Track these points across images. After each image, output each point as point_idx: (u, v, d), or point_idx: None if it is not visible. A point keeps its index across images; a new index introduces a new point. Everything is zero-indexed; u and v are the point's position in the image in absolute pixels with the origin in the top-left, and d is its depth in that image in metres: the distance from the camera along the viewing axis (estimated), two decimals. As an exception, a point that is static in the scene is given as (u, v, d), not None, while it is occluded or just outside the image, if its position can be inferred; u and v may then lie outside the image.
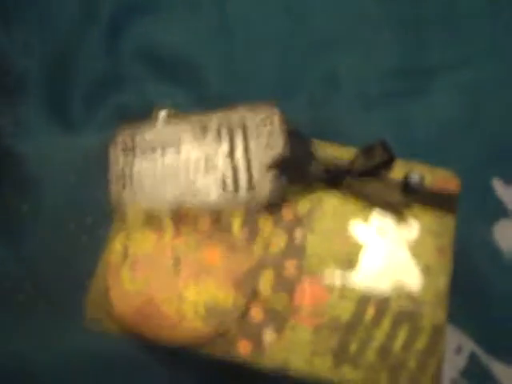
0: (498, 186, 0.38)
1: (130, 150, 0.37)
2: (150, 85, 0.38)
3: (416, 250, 0.36)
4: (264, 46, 0.39)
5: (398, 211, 0.36)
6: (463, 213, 0.36)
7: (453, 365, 0.36)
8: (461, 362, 0.37)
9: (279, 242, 0.36)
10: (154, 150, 0.37)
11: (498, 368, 0.36)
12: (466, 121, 0.38)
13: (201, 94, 0.37)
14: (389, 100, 0.38)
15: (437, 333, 0.35)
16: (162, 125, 0.37)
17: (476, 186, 0.38)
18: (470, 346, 0.37)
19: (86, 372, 0.35)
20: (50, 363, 0.34)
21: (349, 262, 0.36)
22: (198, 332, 0.34)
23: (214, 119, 0.37)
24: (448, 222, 0.36)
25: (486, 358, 0.36)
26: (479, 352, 0.36)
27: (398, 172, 0.37)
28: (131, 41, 0.38)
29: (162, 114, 0.37)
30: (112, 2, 0.39)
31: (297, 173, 0.36)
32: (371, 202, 0.36)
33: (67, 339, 0.35)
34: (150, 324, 0.34)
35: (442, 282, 0.35)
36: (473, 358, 0.37)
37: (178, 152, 0.36)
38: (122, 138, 0.37)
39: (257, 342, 0.35)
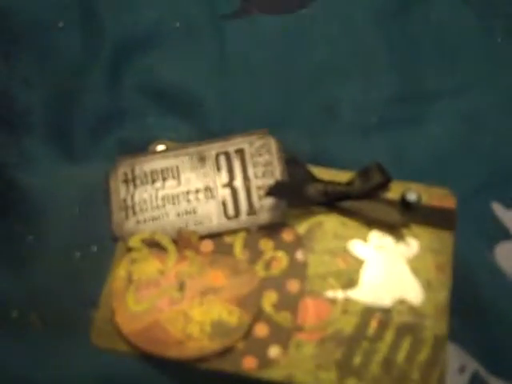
0: (498, 209, 0.39)
1: (131, 181, 0.38)
2: (152, 119, 0.39)
3: (416, 266, 0.37)
4: (263, 78, 0.41)
5: (396, 230, 0.37)
6: (464, 236, 0.38)
7: None
8: (464, 381, 0.37)
9: (281, 262, 0.37)
10: (154, 181, 0.38)
11: None
12: (464, 147, 0.40)
13: (202, 128, 0.39)
14: (387, 128, 0.40)
15: (439, 344, 0.36)
16: (160, 156, 0.38)
17: (476, 210, 0.39)
18: (472, 365, 0.37)
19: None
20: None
21: (350, 279, 0.37)
22: (205, 350, 0.35)
23: (211, 150, 0.38)
24: (446, 239, 0.38)
25: (488, 378, 0.37)
26: (482, 371, 0.37)
27: (394, 192, 0.39)
28: (133, 76, 0.40)
29: (161, 146, 0.39)
30: (114, 38, 0.41)
31: (296, 197, 0.37)
32: (370, 222, 0.38)
33: (75, 365, 0.35)
34: (157, 344, 0.35)
35: (443, 296, 0.37)
36: (476, 377, 0.37)
37: (178, 183, 0.38)
38: (122, 169, 0.38)
39: (262, 357, 0.35)
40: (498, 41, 0.42)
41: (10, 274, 0.38)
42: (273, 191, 0.37)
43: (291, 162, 0.39)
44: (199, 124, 0.39)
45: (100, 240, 0.38)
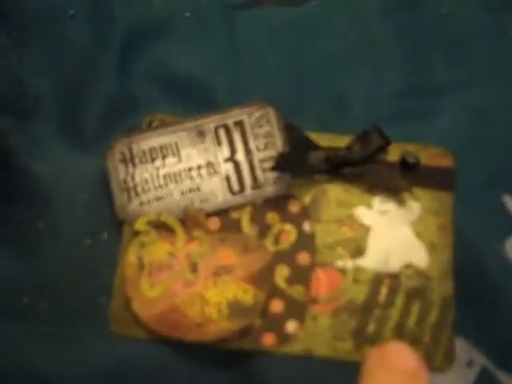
0: (509, 202, 0.40)
1: (129, 161, 0.38)
2: (163, 106, 0.39)
3: (419, 229, 0.39)
4: (273, 69, 0.41)
5: (398, 193, 0.39)
6: (474, 229, 0.39)
7: (464, 378, 0.38)
8: (472, 375, 0.39)
9: (289, 236, 0.38)
10: (153, 159, 0.38)
11: (509, 382, 0.38)
12: (474, 139, 0.41)
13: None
14: (397, 120, 0.40)
15: (446, 305, 0.38)
16: (157, 133, 0.38)
17: (486, 203, 0.40)
18: (481, 359, 0.39)
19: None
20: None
21: (358, 247, 0.38)
22: (225, 331, 0.36)
23: (210, 123, 0.38)
24: (446, 200, 0.39)
25: (496, 372, 0.38)
26: (490, 366, 0.38)
27: (392, 154, 0.40)
28: (144, 64, 0.40)
29: (155, 122, 0.39)
30: (124, 26, 0.40)
31: (298, 166, 0.38)
32: (372, 186, 0.38)
33: (89, 352, 0.36)
34: (176, 328, 0.36)
35: (446, 256, 0.38)
36: (484, 371, 0.38)
37: (179, 160, 0.38)
38: (119, 148, 0.38)
39: (280, 333, 0.37)
40: (510, 34, 0.43)
41: (20, 260, 0.38)
42: (277, 166, 0.37)
43: (289, 130, 0.39)
44: (209, 110, 0.39)
45: (110, 227, 0.39)
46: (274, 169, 0.38)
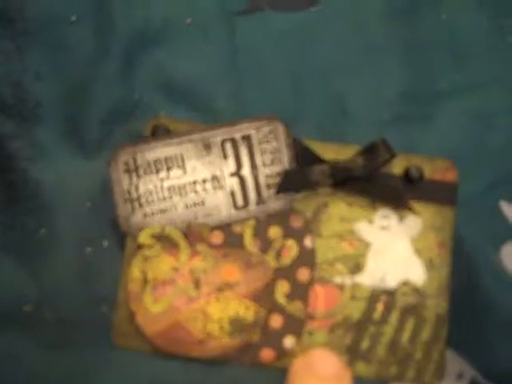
0: (507, 209, 0.42)
1: (133, 171, 0.40)
2: (164, 113, 0.40)
3: (419, 245, 0.41)
4: (274, 74, 0.42)
5: (400, 208, 0.41)
6: (471, 235, 0.42)
7: None
8: None
9: (291, 251, 0.40)
10: (158, 170, 0.40)
11: None
12: (474, 145, 0.42)
13: (214, 121, 0.40)
14: (397, 125, 0.42)
15: (440, 322, 0.41)
16: (163, 144, 0.39)
17: (484, 209, 0.42)
18: (470, 372, 0.42)
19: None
20: None
21: (357, 264, 0.41)
22: (226, 347, 0.39)
23: (217, 136, 0.40)
24: (448, 215, 0.42)
25: None
26: (479, 378, 0.42)
27: (397, 166, 0.42)
28: (145, 70, 0.41)
29: (161, 131, 0.40)
30: (126, 32, 0.41)
31: (302, 183, 0.40)
32: (375, 201, 0.41)
33: (90, 362, 0.39)
34: (180, 344, 0.39)
35: (444, 273, 0.41)
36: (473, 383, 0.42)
37: (184, 172, 0.40)
38: (123, 158, 0.40)
39: (278, 348, 0.40)
40: (509, 40, 0.44)
41: (22, 267, 0.41)
42: (282, 186, 0.40)
43: (295, 143, 0.40)
44: (210, 118, 0.41)
45: (110, 235, 0.41)
46: (278, 190, 0.39)
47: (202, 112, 0.42)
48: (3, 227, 0.41)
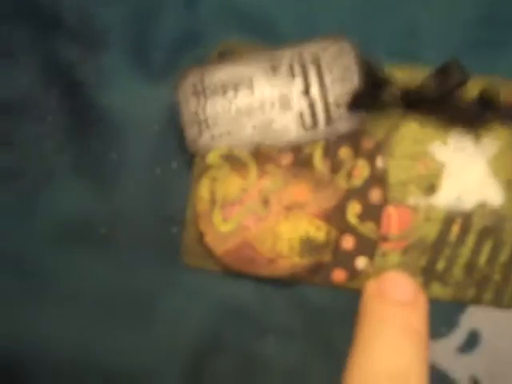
0: None
1: (201, 93, 0.40)
2: (229, 39, 0.40)
3: (496, 165, 0.40)
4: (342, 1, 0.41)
5: (475, 130, 0.40)
6: None
7: None
8: None
9: (362, 171, 0.40)
10: (225, 91, 0.40)
11: None
12: None
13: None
14: (471, 51, 0.41)
15: (519, 244, 0.39)
16: (230, 65, 0.39)
17: None
18: None
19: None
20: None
21: (431, 184, 0.40)
22: (296, 267, 0.38)
23: (285, 56, 0.40)
24: None
25: None
26: None
27: (472, 88, 0.40)
28: None
29: (228, 54, 0.40)
30: None
31: (373, 104, 0.39)
32: (448, 123, 0.40)
33: (162, 281, 0.41)
34: (248, 263, 0.38)
35: None
36: None
37: (252, 92, 0.40)
38: (191, 80, 0.40)
39: (350, 269, 0.39)
40: None
41: (95, 191, 0.41)
42: (352, 104, 0.39)
43: (366, 63, 0.40)
44: (276, 42, 0.41)
45: (178, 156, 0.41)
46: (348, 107, 0.39)
47: (269, 38, 0.42)
48: (74, 152, 0.42)
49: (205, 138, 0.40)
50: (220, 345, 0.41)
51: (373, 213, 0.40)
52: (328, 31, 0.42)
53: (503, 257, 0.40)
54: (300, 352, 0.41)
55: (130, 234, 0.41)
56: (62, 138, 0.42)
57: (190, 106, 0.40)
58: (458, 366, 0.41)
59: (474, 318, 0.40)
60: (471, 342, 0.40)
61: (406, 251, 0.40)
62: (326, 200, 0.39)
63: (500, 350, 0.40)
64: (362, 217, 0.40)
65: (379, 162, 0.40)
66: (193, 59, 0.42)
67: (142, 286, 0.41)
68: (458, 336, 0.40)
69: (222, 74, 0.40)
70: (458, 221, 0.40)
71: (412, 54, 0.43)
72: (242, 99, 0.40)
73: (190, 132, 0.40)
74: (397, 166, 0.40)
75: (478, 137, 0.41)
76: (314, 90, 0.40)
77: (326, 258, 0.39)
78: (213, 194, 0.39)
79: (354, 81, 0.40)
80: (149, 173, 0.41)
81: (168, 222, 0.41)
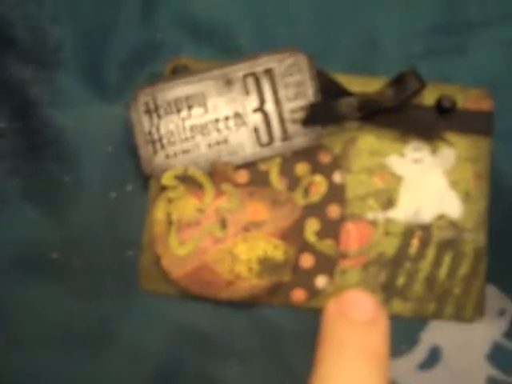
0: None
1: (154, 111, 0.39)
2: (186, 52, 0.40)
3: (453, 176, 0.41)
4: (301, 9, 0.41)
5: (433, 140, 0.40)
6: (509, 168, 0.41)
7: (496, 327, 0.40)
8: (504, 324, 0.41)
9: (319, 188, 0.40)
10: (178, 109, 0.39)
11: None
12: (508, 76, 0.41)
13: (238, 59, 0.39)
14: (429, 58, 0.41)
15: (479, 256, 0.40)
16: (182, 82, 0.39)
17: None
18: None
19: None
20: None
21: (389, 198, 0.40)
22: (255, 288, 0.38)
23: (238, 71, 0.39)
24: (484, 146, 0.41)
25: None
26: None
27: (428, 97, 0.41)
28: (167, 8, 0.41)
29: (180, 70, 0.40)
30: None
31: (329, 117, 0.39)
32: (406, 133, 0.40)
33: (118, 307, 0.40)
34: (207, 286, 0.38)
35: (482, 206, 0.40)
36: None
37: (205, 110, 0.39)
38: (143, 99, 0.39)
39: (310, 288, 0.39)
40: None
41: (48, 214, 0.41)
42: (308, 119, 0.39)
43: (321, 75, 0.40)
44: (234, 56, 0.40)
45: (134, 178, 0.41)
46: (304, 123, 0.39)
47: (226, 50, 0.42)
48: (27, 175, 0.41)
49: (159, 158, 0.40)
50: (180, 369, 0.41)
51: (331, 229, 0.40)
52: (286, 42, 0.42)
53: (463, 270, 0.40)
54: (260, 374, 0.40)
55: (85, 258, 0.41)
56: (15, 161, 0.41)
57: (143, 126, 0.40)
58: (418, 384, 0.41)
59: (435, 334, 0.40)
60: (432, 358, 0.40)
61: (365, 267, 0.40)
62: (284, 218, 0.39)
63: (460, 365, 0.40)
64: (321, 234, 0.40)
65: (337, 178, 0.40)
66: (148, 76, 0.42)
67: (99, 311, 0.41)
68: (419, 353, 0.40)
69: (174, 91, 0.40)
70: (418, 234, 0.40)
71: (369, 63, 0.42)
72: (196, 117, 0.40)
73: (144, 152, 0.40)
74: (354, 181, 0.40)
75: (434, 147, 0.41)
76: (269, 106, 0.40)
77: (285, 277, 0.39)
78: (169, 215, 0.39)
79: (308, 95, 0.40)
80: (103, 196, 0.41)
81: (124, 245, 0.41)
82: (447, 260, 0.40)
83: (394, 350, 0.39)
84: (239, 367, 0.40)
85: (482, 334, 0.40)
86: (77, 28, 0.42)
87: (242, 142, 0.40)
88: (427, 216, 0.40)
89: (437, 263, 0.40)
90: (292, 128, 0.40)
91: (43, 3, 0.42)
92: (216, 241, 0.39)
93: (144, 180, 0.40)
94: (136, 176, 0.41)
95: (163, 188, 0.40)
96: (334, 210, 0.40)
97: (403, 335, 0.40)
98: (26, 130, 0.41)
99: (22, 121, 0.41)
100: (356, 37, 0.42)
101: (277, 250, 0.39)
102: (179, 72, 0.41)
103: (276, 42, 0.42)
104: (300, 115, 0.40)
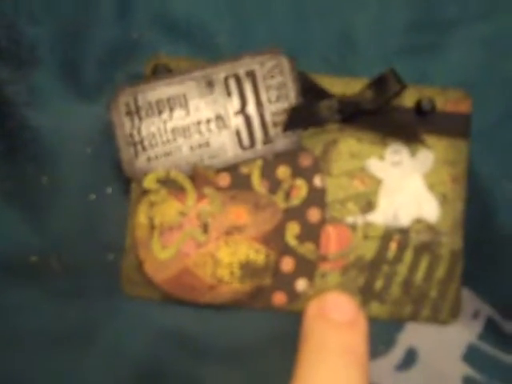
0: None
1: (135, 113, 0.40)
2: (164, 51, 0.40)
3: (431, 179, 0.42)
4: (277, 7, 0.42)
5: (412, 142, 0.41)
6: (486, 165, 0.43)
7: (470, 329, 0.43)
8: (478, 326, 0.43)
9: (300, 191, 0.41)
10: (160, 111, 0.40)
11: None
12: (487, 73, 0.42)
13: (216, 57, 0.40)
14: (406, 56, 0.42)
15: (455, 259, 0.42)
16: (164, 83, 0.39)
17: (500, 142, 0.43)
18: (486, 310, 0.43)
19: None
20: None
21: (368, 202, 0.41)
22: (237, 293, 0.40)
23: (220, 73, 0.40)
24: (461, 148, 0.42)
25: (503, 323, 0.43)
26: (496, 316, 0.43)
27: (407, 98, 0.42)
28: (144, 6, 0.41)
29: (161, 70, 0.40)
30: None
31: (310, 119, 0.40)
32: (385, 135, 0.41)
33: (99, 310, 0.41)
34: (189, 290, 0.40)
35: (458, 208, 0.42)
36: (490, 322, 0.43)
37: (187, 112, 0.40)
38: (124, 100, 0.40)
39: (290, 292, 0.41)
40: None
41: (25, 216, 0.41)
42: (289, 123, 0.40)
43: (302, 78, 0.41)
44: (212, 54, 0.41)
45: (114, 181, 0.42)
46: (285, 127, 0.40)
47: (204, 48, 0.42)
48: (4, 176, 0.42)
49: (141, 161, 0.41)
50: (162, 371, 0.42)
51: (312, 233, 0.41)
52: (263, 40, 0.42)
53: (439, 273, 0.42)
54: (241, 376, 0.42)
55: (64, 261, 0.41)
56: None
57: (124, 128, 0.40)
58: (396, 385, 0.43)
59: (412, 335, 0.42)
60: (409, 359, 0.42)
61: (345, 270, 0.41)
62: (265, 222, 0.40)
63: (436, 366, 0.42)
64: (301, 238, 0.41)
65: (317, 181, 0.41)
66: (127, 75, 0.42)
67: (78, 314, 0.41)
68: (396, 354, 0.42)
69: (156, 92, 0.41)
70: (396, 238, 0.42)
71: (346, 61, 0.44)
72: (178, 120, 0.41)
73: (126, 154, 0.41)
74: (335, 184, 0.42)
75: (413, 150, 0.42)
76: (251, 108, 0.41)
77: (266, 281, 0.40)
78: (151, 219, 0.40)
79: (290, 98, 0.41)
80: (82, 198, 0.41)
81: (104, 249, 0.42)
82: (424, 263, 0.42)
83: (372, 351, 0.41)
84: (221, 369, 0.42)
85: (457, 335, 0.42)
86: (53, 26, 0.42)
87: (224, 145, 0.41)
88: (405, 219, 0.42)
89: (414, 266, 0.42)
90: (273, 131, 0.41)
91: (19, 1, 0.42)
92: (198, 245, 0.40)
93: (124, 182, 0.41)
94: (116, 178, 0.41)
95: (145, 191, 0.40)
96: (314, 214, 0.41)
97: (381, 336, 0.42)
98: (2, 131, 0.41)
99: None
100: (333, 35, 0.43)
101: (258, 255, 0.40)
102: (160, 72, 0.41)
103: (254, 40, 0.43)
104: (281, 118, 0.41)
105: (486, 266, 0.42)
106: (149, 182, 0.40)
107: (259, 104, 0.41)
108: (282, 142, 0.41)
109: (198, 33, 0.43)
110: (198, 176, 0.40)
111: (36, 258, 0.41)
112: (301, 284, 0.41)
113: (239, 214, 0.40)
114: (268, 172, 0.41)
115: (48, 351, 0.41)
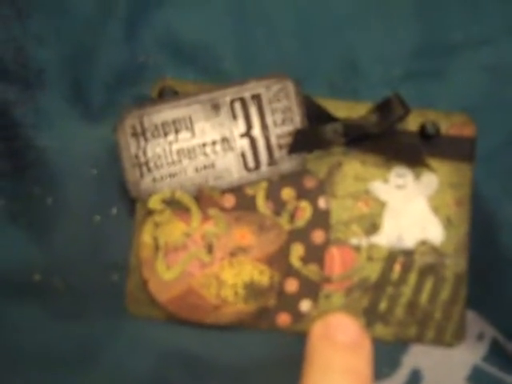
0: None
1: (141, 135, 0.41)
2: (171, 74, 0.41)
3: (436, 202, 0.43)
4: (283, 31, 0.43)
5: (417, 166, 0.42)
6: (491, 192, 0.43)
7: (475, 352, 0.43)
8: (483, 348, 0.44)
9: (305, 213, 0.41)
10: (166, 133, 0.41)
11: None
12: (490, 99, 0.43)
13: (222, 81, 0.41)
14: (411, 81, 0.43)
15: (459, 281, 0.42)
16: (170, 106, 0.40)
17: (503, 165, 0.43)
18: (491, 332, 0.44)
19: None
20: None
21: (373, 224, 0.42)
22: (241, 313, 0.40)
23: (225, 96, 0.41)
24: (466, 172, 0.43)
25: (508, 344, 0.43)
26: (500, 338, 0.43)
27: (412, 122, 0.43)
28: (150, 30, 0.42)
29: (167, 93, 0.41)
30: None
31: (315, 143, 0.41)
32: (390, 159, 0.42)
33: (102, 330, 0.42)
34: (194, 310, 0.40)
35: (463, 231, 0.42)
36: (495, 344, 0.43)
37: (193, 134, 0.41)
38: (130, 121, 0.41)
39: (295, 313, 0.41)
40: None
41: (29, 236, 0.42)
42: (294, 146, 0.41)
43: (307, 101, 0.41)
44: (218, 79, 0.42)
45: (119, 202, 0.42)
46: (290, 150, 0.40)
47: (210, 73, 0.43)
48: (9, 196, 0.42)
49: (146, 182, 0.41)
50: None
51: (316, 255, 0.42)
52: (269, 65, 0.43)
53: (444, 294, 0.42)
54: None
55: (68, 281, 0.42)
56: None
57: (129, 149, 0.41)
58: (400, 406, 0.43)
59: (416, 357, 0.43)
60: (413, 381, 0.43)
61: (349, 292, 0.42)
62: (270, 243, 0.41)
63: (441, 388, 0.43)
64: (306, 259, 0.42)
65: (322, 203, 0.42)
66: (133, 98, 0.43)
67: (82, 334, 0.42)
68: (401, 376, 0.43)
69: (162, 115, 0.41)
70: (400, 259, 0.42)
71: (350, 85, 0.44)
72: (184, 142, 0.41)
73: (131, 175, 0.41)
74: (339, 206, 0.42)
75: (418, 173, 0.43)
76: (256, 131, 0.42)
77: (271, 302, 0.41)
78: (156, 239, 0.41)
79: (295, 121, 0.42)
80: (87, 219, 0.42)
81: (108, 269, 0.42)
82: (428, 285, 0.42)
83: (377, 373, 0.41)
84: (225, 390, 0.42)
85: (462, 357, 0.43)
86: (61, 50, 0.43)
87: (229, 167, 0.41)
88: (410, 241, 0.42)
89: (418, 288, 0.42)
90: (278, 153, 0.42)
91: (27, 24, 0.43)
92: (202, 265, 0.40)
93: (129, 203, 0.41)
94: (121, 199, 0.42)
95: (150, 212, 0.41)
96: (318, 235, 0.42)
97: (385, 358, 0.42)
98: (8, 151, 0.42)
99: (4, 142, 0.42)
100: (338, 60, 0.44)
101: (263, 276, 0.41)
102: (167, 95, 0.42)
103: (259, 64, 0.44)
104: (286, 140, 0.42)
105: (491, 287, 0.43)
106: (154, 203, 0.41)
107: (264, 127, 0.42)
108: (287, 164, 0.42)
109: (204, 57, 0.43)
110: (203, 197, 0.41)
111: (39, 277, 0.42)
112: (305, 305, 0.42)
113: (244, 235, 0.41)
114: (273, 194, 0.42)
115: (50, 371, 0.42)
